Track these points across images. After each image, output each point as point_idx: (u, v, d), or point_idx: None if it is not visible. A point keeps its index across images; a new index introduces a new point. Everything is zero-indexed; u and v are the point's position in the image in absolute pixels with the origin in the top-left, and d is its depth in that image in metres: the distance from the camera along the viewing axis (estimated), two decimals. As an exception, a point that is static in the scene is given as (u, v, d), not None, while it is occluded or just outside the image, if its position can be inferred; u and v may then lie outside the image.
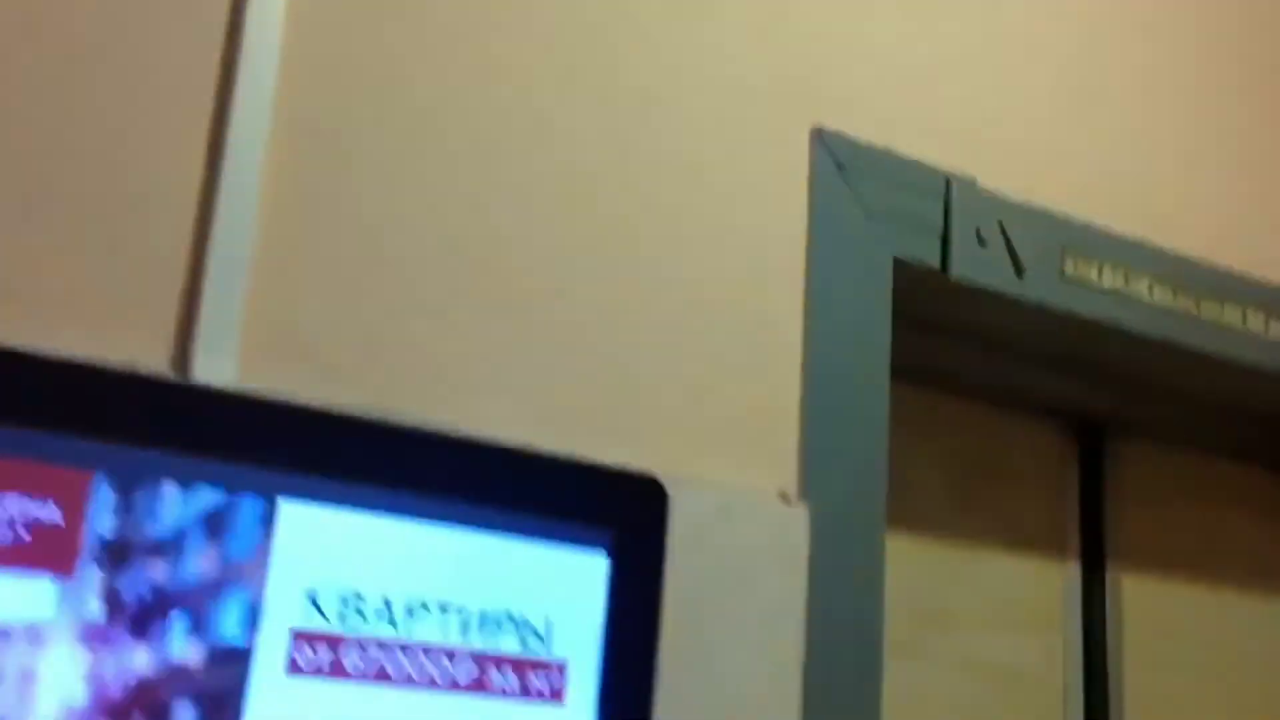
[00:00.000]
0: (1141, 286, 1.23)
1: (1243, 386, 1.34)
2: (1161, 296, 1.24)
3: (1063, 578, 1.38)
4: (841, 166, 1.11)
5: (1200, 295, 1.26)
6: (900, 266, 1.12)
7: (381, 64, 0.94)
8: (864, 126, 1.13)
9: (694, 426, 1.01)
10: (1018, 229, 1.17)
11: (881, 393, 1.09)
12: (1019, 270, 1.17)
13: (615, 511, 0.88)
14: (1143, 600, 1.41)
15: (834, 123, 1.12)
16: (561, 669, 0.84)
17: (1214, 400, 1.40)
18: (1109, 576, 1.40)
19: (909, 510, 1.31)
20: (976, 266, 1.15)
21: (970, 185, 1.16)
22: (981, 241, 1.16)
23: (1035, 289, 1.17)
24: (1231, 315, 1.27)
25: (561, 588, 0.86)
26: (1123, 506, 1.42)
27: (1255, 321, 1.28)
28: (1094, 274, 1.20)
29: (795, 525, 1.01)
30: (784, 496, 1.03)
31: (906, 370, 1.30)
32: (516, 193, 0.97)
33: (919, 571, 1.30)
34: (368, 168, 0.92)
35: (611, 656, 0.85)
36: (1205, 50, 1.34)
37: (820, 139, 1.10)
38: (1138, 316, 1.22)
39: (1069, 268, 1.19)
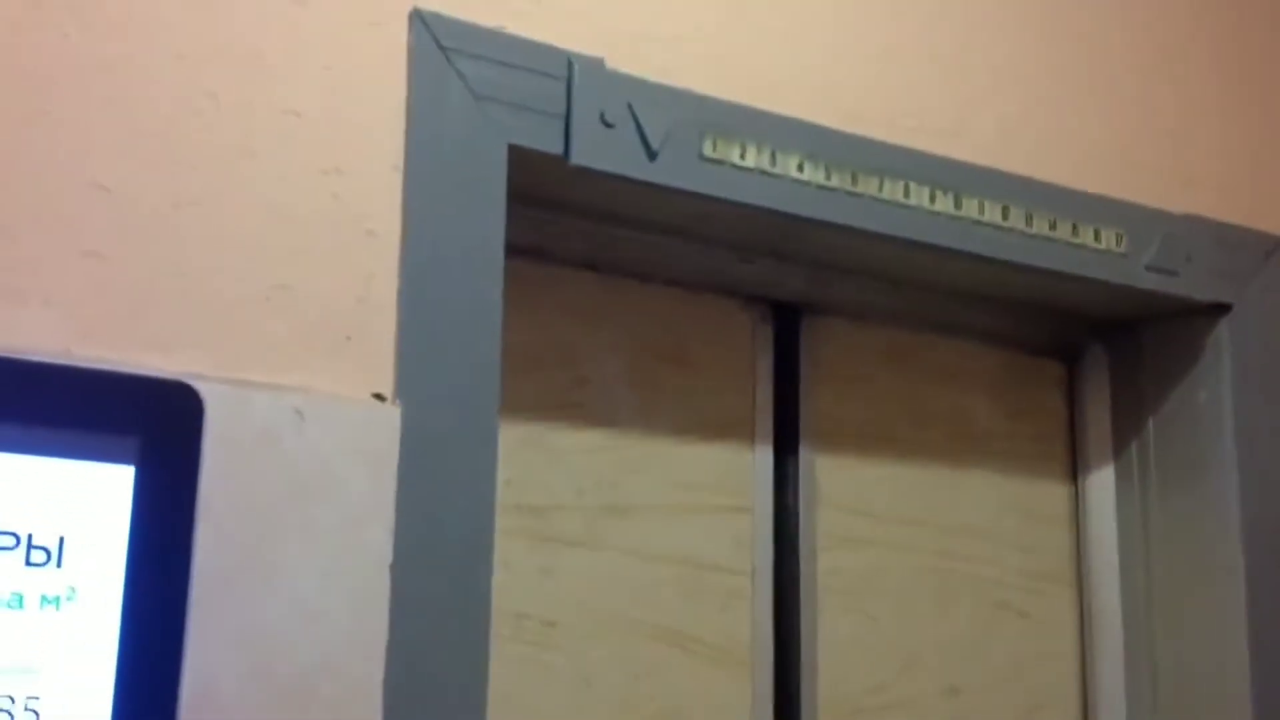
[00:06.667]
0: (790, 165, 1.20)
1: (920, 261, 1.33)
2: (813, 174, 1.21)
3: (754, 462, 1.37)
4: (446, 49, 1.06)
5: (857, 171, 1.23)
6: (518, 153, 1.08)
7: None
8: (473, 7, 1.08)
9: (275, 329, 0.97)
10: (650, 111, 1.13)
11: (494, 287, 1.06)
12: (651, 153, 1.13)
13: (142, 421, 0.84)
14: (839, 480, 1.41)
15: (436, 4, 1.06)
16: (74, 589, 0.81)
17: (905, 277, 1.39)
18: (803, 458, 1.39)
19: (588, 401, 1.29)
20: (602, 151, 1.11)
21: (596, 66, 1.12)
22: (608, 124, 1.12)
23: (669, 172, 1.14)
24: (892, 189, 1.25)
25: (82, 504, 0.82)
26: (819, 388, 1.41)
27: (919, 196, 1.26)
28: (737, 154, 1.17)
29: (384, 426, 0.98)
30: (378, 397, 1.00)
31: (567, 259, 1.28)
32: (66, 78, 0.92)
33: (598, 463, 1.28)
34: None
35: (138, 573, 0.83)
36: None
37: (420, 20, 1.05)
38: (788, 196, 1.20)
39: (708, 149, 1.16)
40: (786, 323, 1.41)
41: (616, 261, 1.30)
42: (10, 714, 0.79)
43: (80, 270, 0.91)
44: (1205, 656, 1.43)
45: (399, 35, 1.05)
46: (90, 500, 0.83)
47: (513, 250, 1.09)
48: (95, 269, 0.91)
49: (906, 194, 1.25)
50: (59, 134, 0.92)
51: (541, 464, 1.25)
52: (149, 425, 0.85)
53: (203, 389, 0.90)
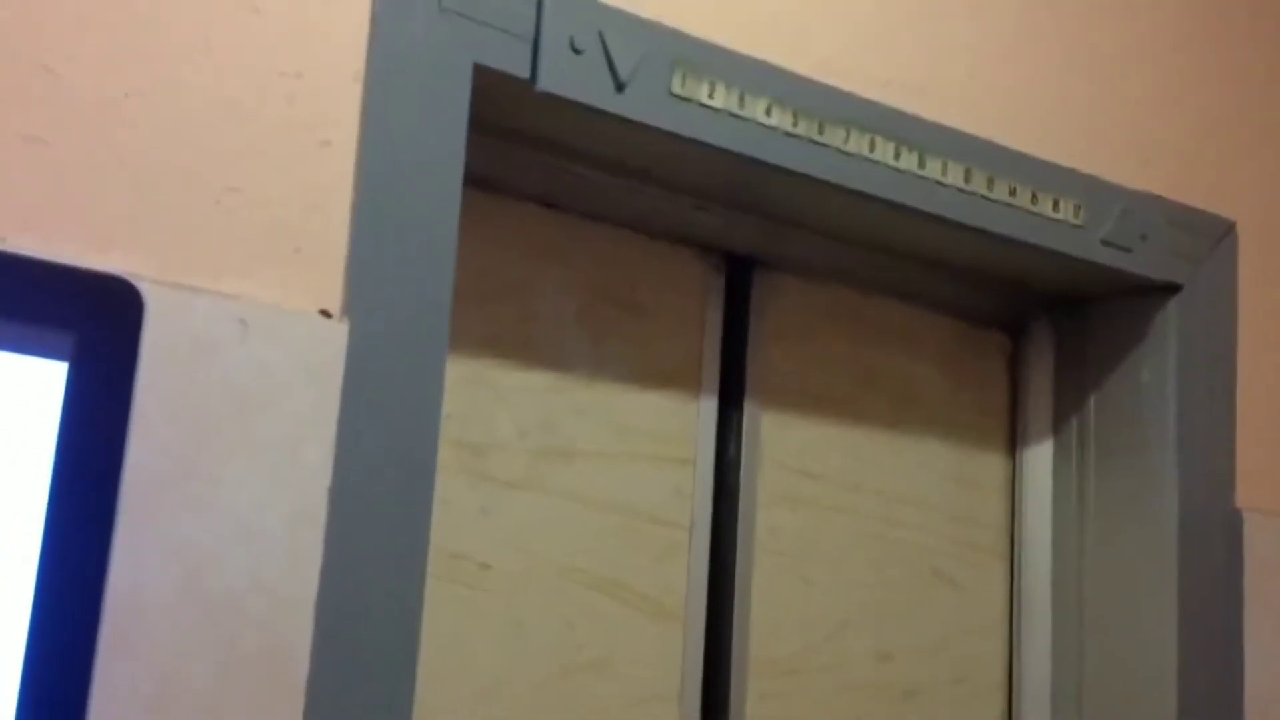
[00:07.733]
0: (759, 108, 1.17)
1: (878, 219, 1.31)
2: (780, 120, 1.19)
3: (698, 414, 1.35)
4: (416, -39, 1.03)
5: (824, 121, 1.21)
6: (483, 73, 1.05)
7: None
8: (446, -81, 1.05)
9: (223, 234, 0.93)
10: (620, 40, 1.11)
11: (451, 207, 1.02)
12: (618, 85, 1.10)
13: (79, 317, 0.80)
14: (782, 438, 1.40)
15: (408, -88, 1.03)
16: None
17: (860, 235, 1.38)
18: (747, 412, 1.37)
19: (535, 340, 1.26)
20: (569, 78, 1.08)
21: (568, -10, 1.09)
22: (577, 51, 1.09)
23: (636, 106, 1.11)
24: (858, 143, 1.23)
25: (11, 398, 0.78)
26: (768, 343, 1.40)
27: (884, 151, 1.24)
28: (705, 93, 1.15)
29: (330, 343, 0.95)
30: (325, 313, 0.96)
31: (523, 193, 1.25)
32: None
33: (542, 404, 1.25)
34: None
35: (66, 473, 0.79)
36: None
37: (390, -71, 1.02)
38: (753, 140, 1.17)
39: (677, 85, 1.13)
40: (739, 275, 1.39)
41: (573, 199, 1.27)
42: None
43: (21, 156, 0.86)
44: (1133, 634, 1.43)
45: (368, -58, 1.01)
46: (20, 394, 0.79)
47: (468, 180, 1.05)
48: (38, 156, 0.87)
49: (871, 148, 1.23)
50: (4, 12, 0.87)
51: (485, 401, 1.22)
52: (86, 322, 0.80)
53: (144, 289, 0.86)
